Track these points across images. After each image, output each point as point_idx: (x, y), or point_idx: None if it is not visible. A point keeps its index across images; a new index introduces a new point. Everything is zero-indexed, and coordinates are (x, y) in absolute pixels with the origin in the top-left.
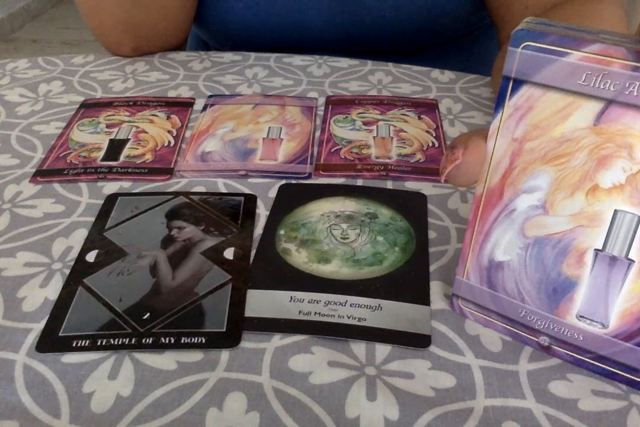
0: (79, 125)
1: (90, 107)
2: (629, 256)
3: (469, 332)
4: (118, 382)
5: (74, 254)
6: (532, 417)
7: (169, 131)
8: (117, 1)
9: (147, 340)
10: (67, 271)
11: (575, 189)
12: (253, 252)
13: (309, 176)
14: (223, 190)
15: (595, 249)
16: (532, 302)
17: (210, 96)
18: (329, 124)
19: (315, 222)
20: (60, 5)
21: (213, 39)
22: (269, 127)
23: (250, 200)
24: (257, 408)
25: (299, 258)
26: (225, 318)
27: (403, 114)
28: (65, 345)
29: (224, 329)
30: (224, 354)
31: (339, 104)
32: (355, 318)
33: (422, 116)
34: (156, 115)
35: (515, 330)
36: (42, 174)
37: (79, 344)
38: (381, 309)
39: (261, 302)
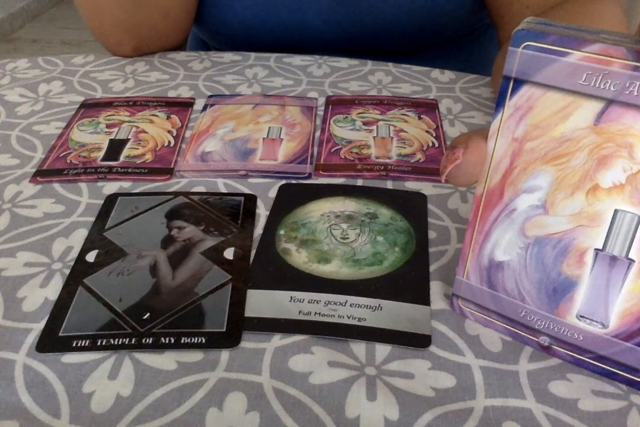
0: (79, 125)
1: (90, 107)
2: (629, 256)
3: (469, 332)
4: (118, 382)
5: (74, 254)
6: (532, 417)
7: (169, 131)
8: (117, 1)
9: (147, 340)
10: (67, 271)
11: (576, 188)
12: (253, 252)
13: (309, 176)
14: (223, 190)
15: (596, 249)
16: (532, 302)
17: (210, 96)
18: (329, 124)
19: (315, 222)
20: (60, 5)
21: (213, 39)
22: (269, 127)
23: (250, 200)
24: (257, 408)
25: (299, 258)
26: (225, 318)
27: (403, 114)
28: (65, 345)
29: (224, 329)
30: (224, 354)
31: (339, 104)
32: (355, 318)
33: (422, 116)
34: (156, 115)
35: (515, 330)
36: (42, 174)
37: (79, 344)
38: (381, 309)
39: (261, 302)
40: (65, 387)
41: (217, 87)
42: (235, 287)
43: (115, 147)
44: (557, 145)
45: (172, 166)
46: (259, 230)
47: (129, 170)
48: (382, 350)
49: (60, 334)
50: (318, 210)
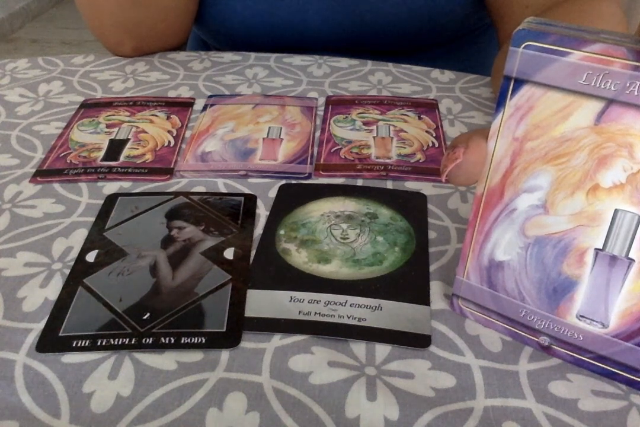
0: (79, 126)
1: (90, 107)
2: (629, 256)
3: (469, 332)
4: (118, 382)
5: (74, 254)
6: (532, 417)
7: (169, 131)
8: (117, 1)
9: (147, 340)
10: (67, 271)
11: (576, 188)
12: (253, 252)
13: (309, 176)
14: (223, 190)
15: (596, 249)
16: (532, 302)
17: (210, 96)
18: (329, 124)
19: (315, 222)
20: (60, 5)
21: (213, 39)
22: (269, 127)
23: (250, 200)
24: (257, 408)
25: (299, 258)
26: (225, 318)
27: (403, 114)
28: (65, 345)
29: (224, 329)
30: (224, 354)
31: (339, 104)
32: (355, 318)
33: (422, 116)
34: (156, 116)
35: (515, 330)
36: (42, 174)
37: (79, 344)
38: (381, 309)
39: (261, 302)
40: (65, 387)
41: (217, 87)
42: (235, 287)
43: (115, 147)
44: (557, 145)
45: (172, 166)
46: (259, 230)
47: (129, 170)
48: (382, 350)
49: (60, 334)
50: (318, 210)
